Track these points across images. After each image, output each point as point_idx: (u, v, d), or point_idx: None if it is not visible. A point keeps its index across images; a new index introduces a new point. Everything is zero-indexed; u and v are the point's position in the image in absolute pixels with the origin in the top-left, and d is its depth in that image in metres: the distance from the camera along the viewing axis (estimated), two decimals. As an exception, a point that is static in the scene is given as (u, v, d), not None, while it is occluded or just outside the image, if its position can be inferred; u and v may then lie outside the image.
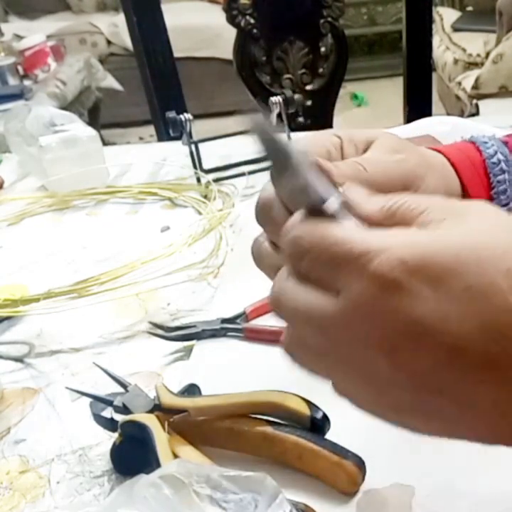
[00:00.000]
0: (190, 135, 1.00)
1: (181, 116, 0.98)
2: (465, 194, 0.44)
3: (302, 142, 0.41)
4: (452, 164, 0.45)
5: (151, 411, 0.52)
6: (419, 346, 0.28)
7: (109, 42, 3.95)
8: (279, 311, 0.33)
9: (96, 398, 0.54)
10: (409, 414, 0.30)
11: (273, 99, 1.03)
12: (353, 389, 0.31)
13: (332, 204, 0.32)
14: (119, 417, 0.52)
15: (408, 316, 0.27)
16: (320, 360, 0.32)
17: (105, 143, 1.32)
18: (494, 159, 0.45)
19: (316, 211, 0.32)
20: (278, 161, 0.33)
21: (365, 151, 0.42)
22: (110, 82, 3.34)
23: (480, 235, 0.28)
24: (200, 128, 1.24)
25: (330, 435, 0.49)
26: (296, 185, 0.32)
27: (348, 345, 0.30)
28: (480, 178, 0.44)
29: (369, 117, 3.67)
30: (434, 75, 1.76)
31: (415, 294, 0.27)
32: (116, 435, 0.52)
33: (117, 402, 0.53)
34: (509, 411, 0.28)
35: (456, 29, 2.98)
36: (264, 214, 0.40)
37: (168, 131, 1.01)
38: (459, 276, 0.27)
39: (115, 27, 3.87)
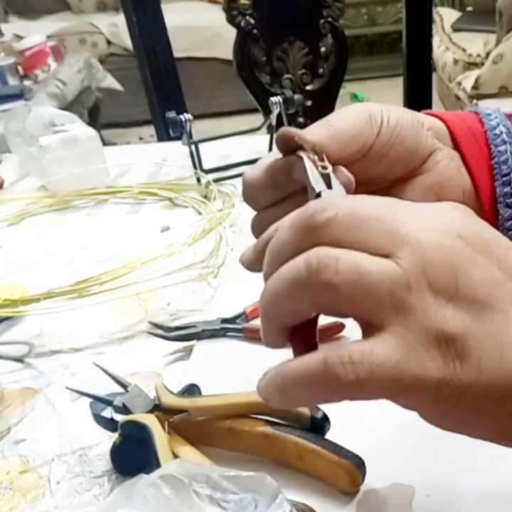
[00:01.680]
0: (190, 135, 1.00)
1: (181, 116, 0.98)
2: (465, 164, 0.44)
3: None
4: (448, 126, 0.45)
5: (151, 411, 0.52)
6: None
7: (109, 42, 3.96)
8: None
9: (96, 398, 0.54)
10: None
11: (273, 99, 1.02)
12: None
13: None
14: (119, 417, 0.52)
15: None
16: None
17: (105, 143, 1.32)
18: (496, 131, 0.45)
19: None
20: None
21: None
22: (110, 82, 3.34)
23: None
24: (200, 128, 1.24)
25: (330, 435, 0.49)
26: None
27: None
28: (480, 148, 0.45)
29: (369, 117, 3.66)
30: (434, 75, 1.76)
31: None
32: (116, 435, 0.52)
33: (117, 402, 0.53)
34: None
35: (456, 29, 2.98)
36: (250, 193, 0.41)
37: (168, 131, 1.01)
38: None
39: (115, 27, 3.87)
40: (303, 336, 0.32)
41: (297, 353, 0.32)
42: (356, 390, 0.29)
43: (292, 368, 0.31)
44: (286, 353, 0.33)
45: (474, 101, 2.38)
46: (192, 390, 0.55)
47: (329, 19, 1.54)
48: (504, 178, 0.44)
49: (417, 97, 1.56)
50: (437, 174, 0.44)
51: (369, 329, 0.30)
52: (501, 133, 0.44)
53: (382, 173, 0.43)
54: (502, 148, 0.44)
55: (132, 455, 0.51)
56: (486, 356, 0.29)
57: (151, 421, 0.50)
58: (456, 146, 0.45)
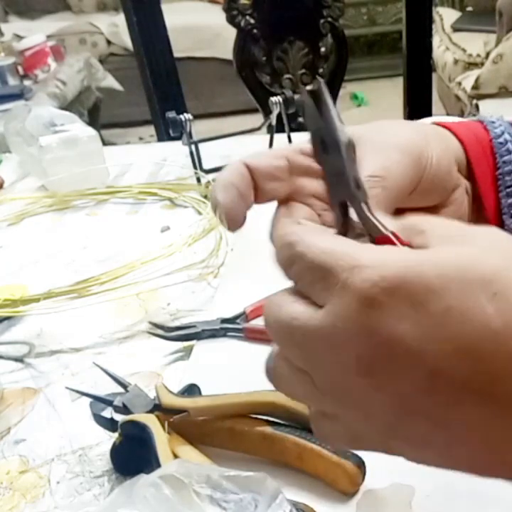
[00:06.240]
0: (190, 135, 1.00)
1: (181, 116, 0.98)
2: (471, 173, 0.43)
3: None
4: (460, 141, 0.43)
5: (151, 411, 0.52)
6: (398, 367, 0.27)
7: (109, 42, 3.95)
8: (266, 321, 0.31)
9: (96, 398, 0.54)
10: (399, 441, 0.29)
11: (273, 99, 1.02)
12: (340, 411, 0.30)
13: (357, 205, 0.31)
14: (119, 417, 0.52)
15: (386, 335, 0.26)
16: (300, 382, 0.30)
17: (105, 143, 1.32)
18: (501, 139, 0.43)
19: (342, 206, 0.32)
20: (325, 140, 0.32)
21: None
22: (110, 82, 3.34)
23: (471, 256, 0.27)
24: (200, 128, 1.24)
25: (330, 435, 0.49)
26: (333, 170, 0.32)
27: (328, 363, 0.28)
28: (486, 157, 0.43)
29: (369, 117, 3.67)
30: (434, 75, 1.76)
31: (395, 312, 0.26)
32: (116, 435, 0.52)
33: (117, 402, 0.53)
34: (496, 436, 0.26)
35: (456, 29, 2.98)
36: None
37: (168, 131, 1.01)
38: (440, 297, 0.26)
39: (115, 27, 3.87)
40: None
41: None
42: None
43: None
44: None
45: (474, 101, 2.37)
46: (192, 390, 0.55)
47: (329, 19, 1.54)
48: (508, 190, 0.43)
49: (417, 97, 1.56)
50: (450, 212, 0.42)
51: None
52: (506, 142, 0.43)
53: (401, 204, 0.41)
54: (506, 158, 0.43)
55: (132, 455, 0.51)
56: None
57: (151, 421, 0.50)
58: (467, 157, 0.43)
